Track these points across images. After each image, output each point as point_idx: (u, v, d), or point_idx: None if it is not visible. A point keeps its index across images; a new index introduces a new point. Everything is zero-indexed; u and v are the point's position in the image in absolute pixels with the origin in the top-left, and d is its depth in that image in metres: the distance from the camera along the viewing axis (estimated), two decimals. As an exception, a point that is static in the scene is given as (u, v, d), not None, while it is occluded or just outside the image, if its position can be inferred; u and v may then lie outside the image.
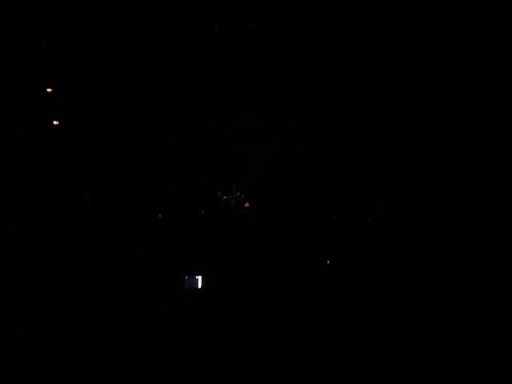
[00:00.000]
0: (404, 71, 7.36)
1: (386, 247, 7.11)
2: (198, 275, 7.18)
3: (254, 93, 7.67)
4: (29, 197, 6.85)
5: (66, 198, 7.02)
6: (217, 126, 7.82)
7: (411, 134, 7.43)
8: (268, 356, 5.39)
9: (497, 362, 4.73)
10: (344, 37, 7.34)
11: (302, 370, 5.14)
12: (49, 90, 7.54)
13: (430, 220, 7.16)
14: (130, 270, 7.05)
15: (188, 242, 7.39)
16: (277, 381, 4.96)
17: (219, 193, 8.14)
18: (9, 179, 6.84)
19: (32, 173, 7.01)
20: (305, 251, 7.39)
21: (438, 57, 7.22)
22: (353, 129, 7.66)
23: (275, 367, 5.19)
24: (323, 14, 7.33)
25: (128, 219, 7.46)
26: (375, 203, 7.54)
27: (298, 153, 7.75)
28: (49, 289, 6.42)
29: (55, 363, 5.20)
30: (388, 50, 7.28)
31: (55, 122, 7.63)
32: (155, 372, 5.11)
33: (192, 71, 7.58)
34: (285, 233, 7.59)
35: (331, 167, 7.80)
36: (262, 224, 7.75)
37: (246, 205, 8.15)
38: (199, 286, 7.12)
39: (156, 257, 7.20)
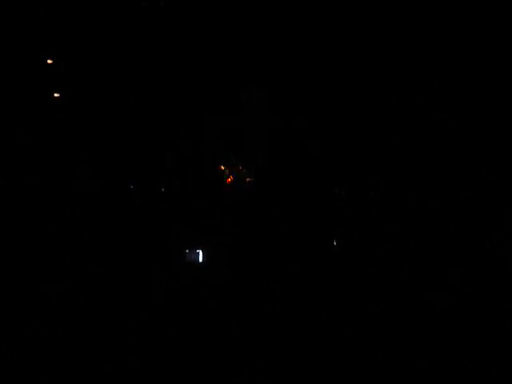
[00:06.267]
0: (408, 47, 7.26)
1: (389, 226, 7.06)
2: (199, 249, 7.16)
3: (253, 65, 7.61)
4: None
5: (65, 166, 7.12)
6: (215, 102, 7.79)
7: (418, 109, 7.33)
8: (267, 329, 5.39)
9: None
10: (345, 12, 7.25)
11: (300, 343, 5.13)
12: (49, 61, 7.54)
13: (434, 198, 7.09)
14: (131, 245, 7.06)
15: (189, 216, 7.38)
16: (275, 352, 4.95)
17: (221, 167, 8.11)
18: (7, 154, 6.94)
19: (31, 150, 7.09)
20: (306, 226, 7.35)
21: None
22: (356, 104, 7.56)
23: (273, 339, 5.19)
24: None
25: (129, 194, 7.47)
26: (378, 179, 7.45)
27: (298, 127, 7.68)
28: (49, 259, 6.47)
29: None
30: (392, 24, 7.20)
31: (56, 95, 7.64)
32: (157, 344, 5.12)
33: (192, 45, 7.54)
34: (286, 207, 7.55)
35: (333, 142, 7.71)
36: (263, 199, 7.72)
37: (248, 179, 8.10)
38: (200, 259, 7.11)
39: (158, 231, 7.19)
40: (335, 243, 7.10)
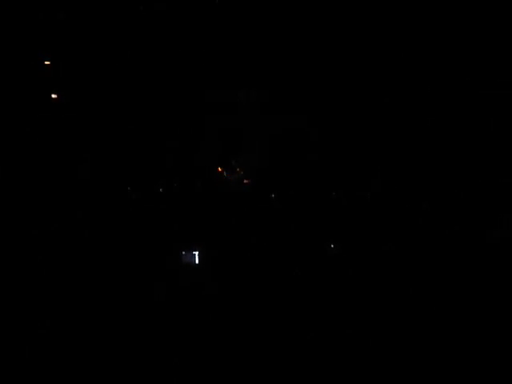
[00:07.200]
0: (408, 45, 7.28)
1: (387, 227, 7.10)
2: (195, 251, 7.16)
3: (251, 66, 7.63)
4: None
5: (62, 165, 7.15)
6: (214, 102, 7.80)
7: (416, 109, 7.37)
8: (266, 330, 5.41)
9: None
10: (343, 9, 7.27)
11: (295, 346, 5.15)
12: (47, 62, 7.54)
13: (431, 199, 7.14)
14: (127, 245, 7.06)
15: (186, 217, 7.38)
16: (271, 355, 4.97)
17: (219, 169, 8.12)
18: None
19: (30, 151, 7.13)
20: (304, 227, 7.37)
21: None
22: (355, 104, 7.59)
23: (273, 339, 5.21)
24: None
25: (127, 194, 7.48)
26: (376, 180, 7.49)
27: (297, 127, 7.70)
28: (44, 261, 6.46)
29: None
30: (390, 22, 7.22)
31: (54, 96, 7.64)
32: (154, 347, 5.13)
33: (189, 44, 7.57)
34: (284, 209, 7.57)
35: (331, 142, 7.74)
36: (262, 201, 7.73)
37: (246, 181, 8.11)
38: (196, 261, 7.11)
39: (154, 232, 7.20)
40: (333, 246, 7.13)
